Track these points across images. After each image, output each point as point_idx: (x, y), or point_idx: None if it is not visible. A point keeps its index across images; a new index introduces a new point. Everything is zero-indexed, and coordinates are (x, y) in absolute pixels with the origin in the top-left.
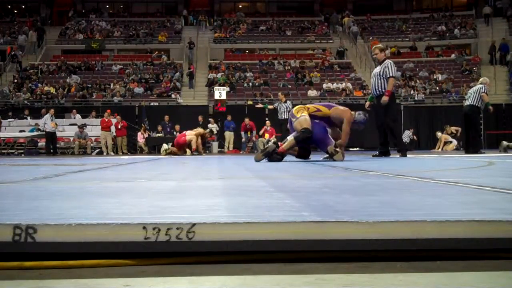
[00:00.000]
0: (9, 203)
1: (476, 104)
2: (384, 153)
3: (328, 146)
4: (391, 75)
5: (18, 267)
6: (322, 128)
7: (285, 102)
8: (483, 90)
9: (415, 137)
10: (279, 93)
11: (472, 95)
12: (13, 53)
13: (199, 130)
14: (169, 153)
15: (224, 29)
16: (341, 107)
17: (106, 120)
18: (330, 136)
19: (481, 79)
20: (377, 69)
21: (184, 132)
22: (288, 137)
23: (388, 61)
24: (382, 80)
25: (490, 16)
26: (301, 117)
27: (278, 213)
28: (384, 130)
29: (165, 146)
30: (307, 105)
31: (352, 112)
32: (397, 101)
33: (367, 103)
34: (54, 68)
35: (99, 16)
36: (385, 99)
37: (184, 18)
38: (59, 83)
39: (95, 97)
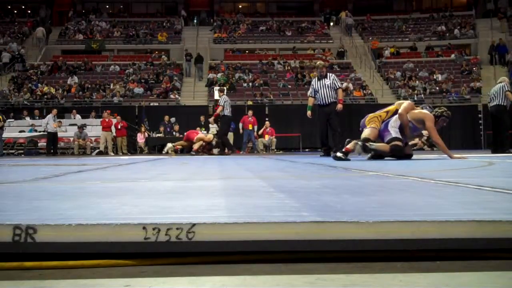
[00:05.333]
0: (9, 203)
1: (503, 103)
2: (328, 152)
3: (385, 139)
4: (340, 86)
5: (18, 268)
6: (385, 125)
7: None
8: (506, 89)
9: None
10: (217, 89)
11: (497, 95)
12: (17, 53)
13: (209, 136)
14: (175, 150)
15: (224, 29)
16: (405, 101)
17: (107, 120)
18: (392, 129)
19: (500, 78)
20: (326, 81)
21: (198, 131)
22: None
23: (332, 75)
24: (332, 91)
25: (492, 13)
26: (367, 129)
27: (278, 213)
28: (327, 133)
29: (169, 145)
30: (380, 113)
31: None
32: (398, 101)
33: (309, 112)
34: (51, 68)
35: (99, 17)
36: (341, 107)
37: (184, 19)
38: (59, 84)
39: (95, 97)
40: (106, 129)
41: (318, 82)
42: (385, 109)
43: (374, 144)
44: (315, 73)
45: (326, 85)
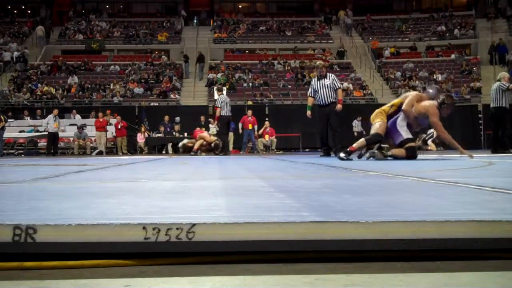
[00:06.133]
0: (9, 203)
1: (500, 105)
2: (328, 152)
3: (396, 141)
4: (339, 86)
5: (18, 268)
6: (393, 123)
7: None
8: (503, 88)
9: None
10: (215, 88)
11: (493, 96)
12: (18, 53)
13: (211, 139)
14: (187, 147)
15: (224, 29)
16: (410, 93)
17: (101, 120)
18: (401, 129)
19: (500, 74)
20: (326, 81)
21: (203, 130)
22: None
23: (332, 75)
24: (332, 92)
25: (492, 15)
26: (376, 124)
27: (278, 213)
28: (326, 133)
29: (185, 140)
30: (383, 107)
31: (421, 94)
32: None
33: (308, 112)
34: (51, 67)
35: (99, 17)
36: (340, 107)
37: (184, 19)
38: (59, 84)
39: (95, 97)
40: (99, 129)
41: (318, 82)
42: (390, 103)
43: (390, 150)
44: (315, 73)
45: (326, 85)
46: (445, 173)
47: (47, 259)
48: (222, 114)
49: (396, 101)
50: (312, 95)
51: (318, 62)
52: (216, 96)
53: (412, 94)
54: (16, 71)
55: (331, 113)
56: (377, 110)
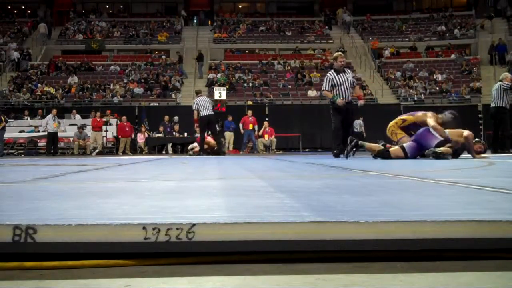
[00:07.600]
0: (9, 203)
1: (500, 105)
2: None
3: (432, 143)
4: (357, 82)
5: (18, 268)
6: (426, 130)
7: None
8: (505, 88)
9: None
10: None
11: (494, 96)
12: (18, 55)
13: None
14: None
15: (224, 29)
16: (420, 113)
17: (98, 120)
18: (435, 134)
19: (502, 75)
20: (347, 76)
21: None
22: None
23: (349, 70)
24: (351, 88)
25: (483, 21)
26: (401, 138)
27: (278, 213)
28: (344, 131)
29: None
30: (395, 120)
31: (436, 115)
32: (397, 101)
33: (340, 100)
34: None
35: (99, 17)
36: (363, 103)
37: (184, 19)
38: (59, 84)
39: (95, 97)
40: (95, 129)
41: (339, 76)
42: (401, 117)
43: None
44: (337, 63)
45: (348, 80)
46: (445, 173)
47: (47, 259)
48: (201, 115)
49: (409, 118)
50: (329, 90)
51: (337, 53)
52: (216, 96)
53: (429, 113)
54: (17, 71)
55: (351, 110)
56: (391, 126)
